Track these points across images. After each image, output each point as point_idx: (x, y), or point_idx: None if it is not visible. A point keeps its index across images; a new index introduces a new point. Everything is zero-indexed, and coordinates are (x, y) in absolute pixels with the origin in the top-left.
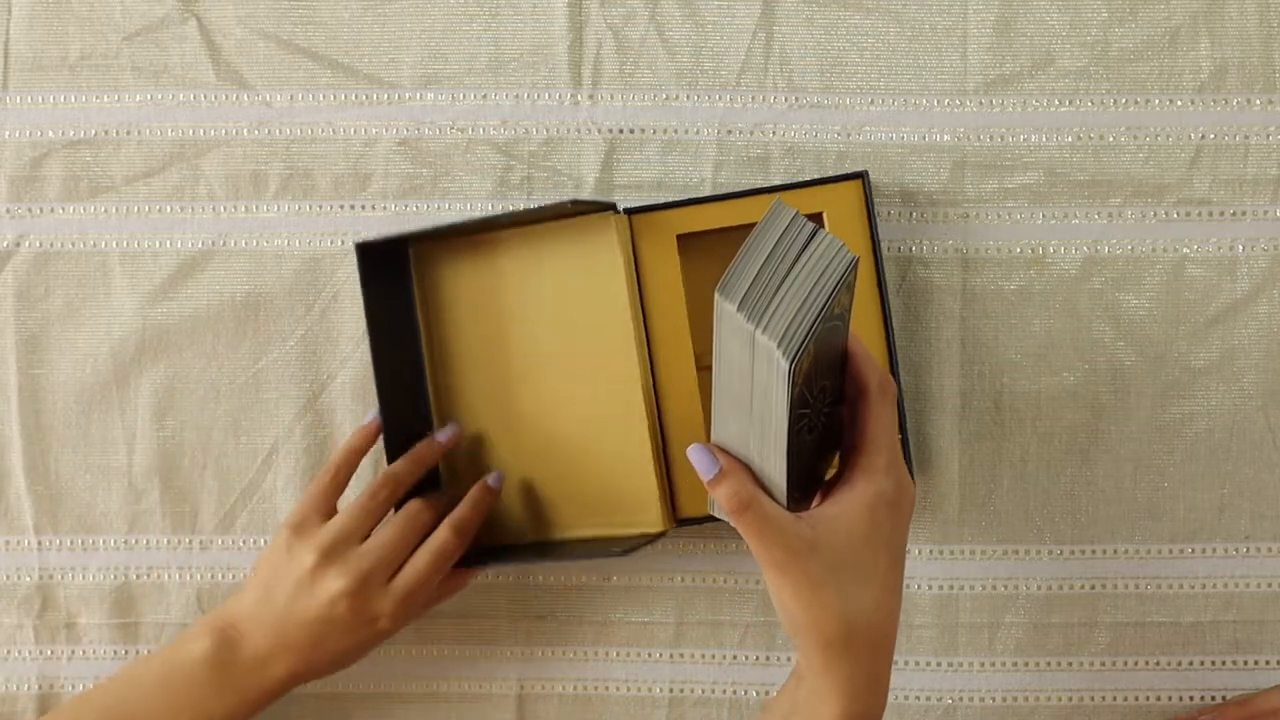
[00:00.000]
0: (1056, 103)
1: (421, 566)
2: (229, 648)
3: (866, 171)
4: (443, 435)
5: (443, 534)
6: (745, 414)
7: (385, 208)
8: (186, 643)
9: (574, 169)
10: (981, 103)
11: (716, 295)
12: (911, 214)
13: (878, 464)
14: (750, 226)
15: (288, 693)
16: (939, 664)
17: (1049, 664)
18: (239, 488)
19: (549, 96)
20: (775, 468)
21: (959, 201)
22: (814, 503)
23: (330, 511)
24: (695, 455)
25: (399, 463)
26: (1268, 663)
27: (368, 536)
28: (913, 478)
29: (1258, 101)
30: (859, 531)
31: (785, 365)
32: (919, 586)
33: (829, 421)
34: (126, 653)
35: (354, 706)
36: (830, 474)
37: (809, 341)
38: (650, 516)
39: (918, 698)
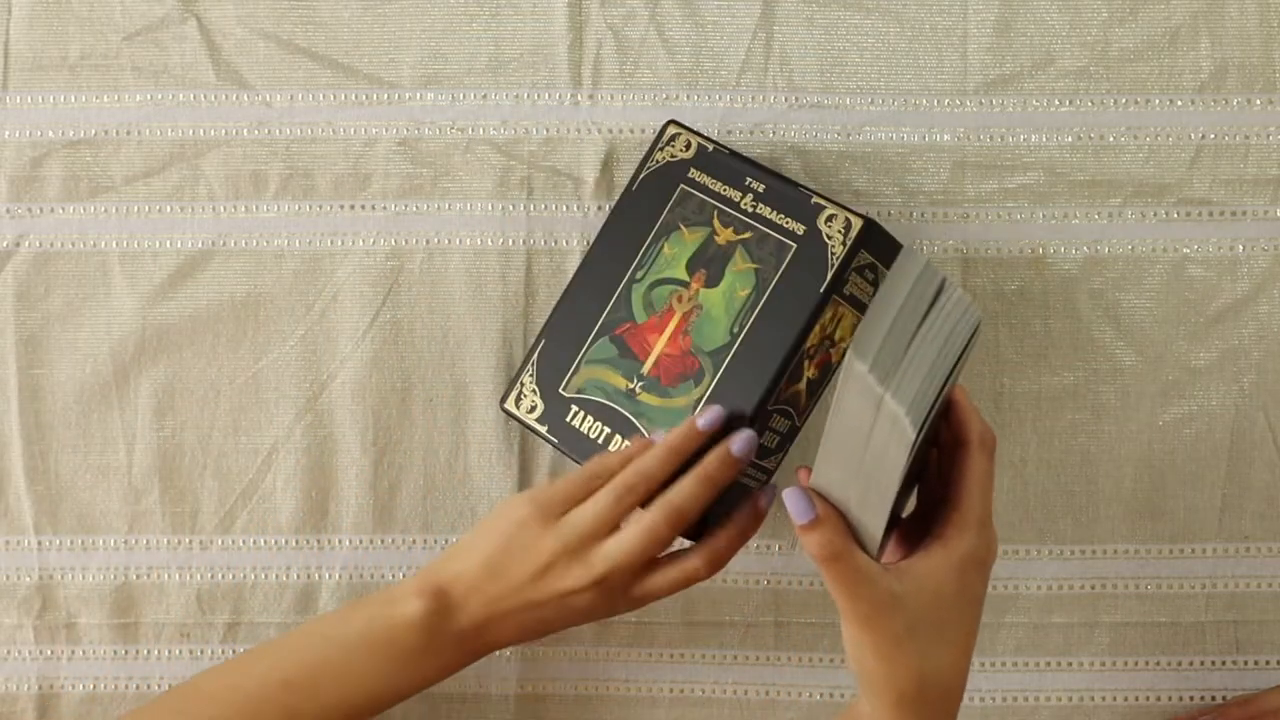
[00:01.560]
0: (1056, 103)
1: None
2: (443, 614)
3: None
4: (704, 421)
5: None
6: (854, 468)
7: (385, 208)
8: (396, 603)
9: (574, 169)
10: (981, 103)
11: (849, 352)
12: (911, 214)
13: (972, 520)
14: None
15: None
16: None
17: (1049, 664)
18: (239, 488)
19: (549, 96)
20: (875, 523)
21: (959, 201)
22: (892, 546)
23: (578, 503)
24: (791, 499)
25: (653, 457)
26: (1268, 663)
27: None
28: None
29: (1258, 101)
30: (947, 590)
31: (911, 434)
32: None
33: (920, 467)
34: (126, 653)
35: None
36: (908, 510)
37: (936, 407)
38: None
39: None
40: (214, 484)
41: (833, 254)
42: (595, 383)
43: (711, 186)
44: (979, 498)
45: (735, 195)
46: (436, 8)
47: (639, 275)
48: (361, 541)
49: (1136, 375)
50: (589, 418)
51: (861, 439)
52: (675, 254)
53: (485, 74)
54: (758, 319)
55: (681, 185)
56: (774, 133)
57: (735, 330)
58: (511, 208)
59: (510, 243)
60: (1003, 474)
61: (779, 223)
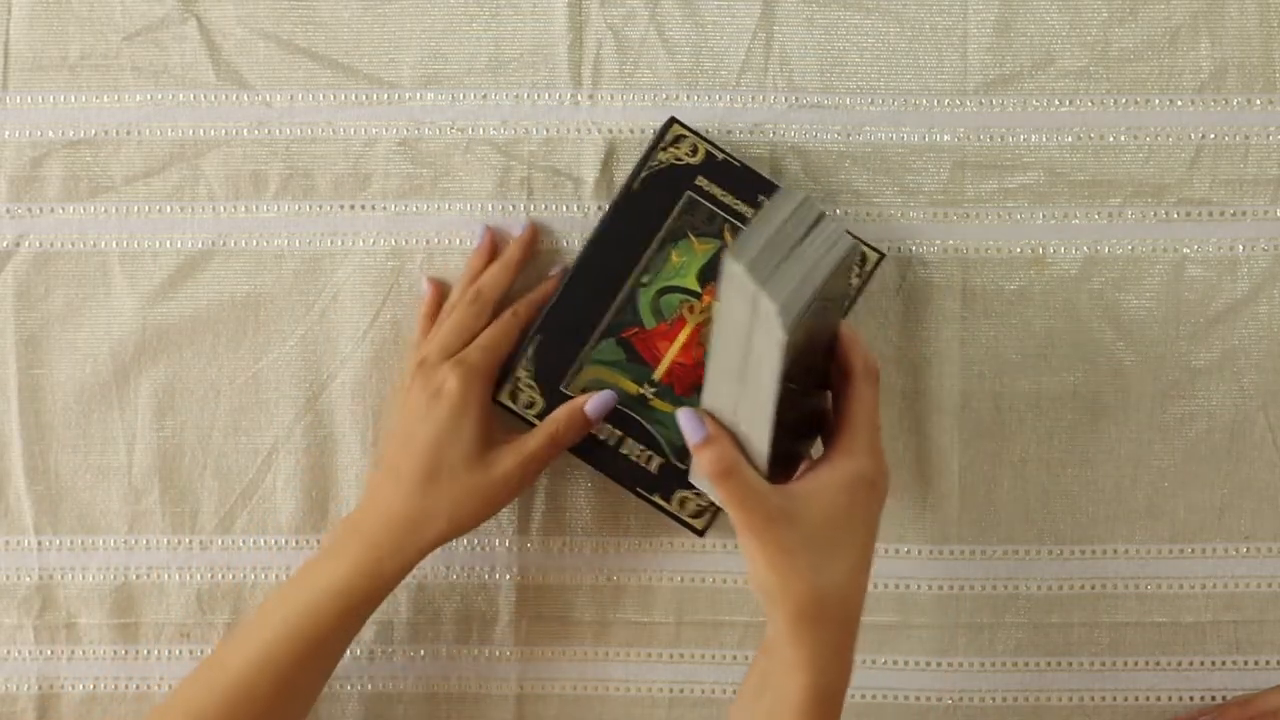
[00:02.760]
0: (1056, 103)
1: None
2: (371, 567)
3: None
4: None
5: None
6: (737, 380)
7: (385, 208)
8: (324, 576)
9: (574, 169)
10: (981, 103)
11: (725, 256)
12: (911, 214)
13: (859, 444)
14: None
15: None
16: (939, 664)
17: (1049, 664)
18: (239, 488)
19: (549, 96)
20: (760, 437)
21: (959, 201)
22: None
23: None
24: (684, 419)
25: (488, 273)
26: (1268, 663)
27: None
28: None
29: (1258, 101)
30: (837, 506)
31: (781, 334)
32: (919, 586)
33: (813, 404)
34: (126, 653)
35: (354, 706)
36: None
37: (806, 315)
38: None
39: (918, 698)
40: (214, 484)
41: (850, 284)
42: (601, 383)
43: (721, 198)
44: (864, 423)
45: (747, 210)
46: (436, 8)
47: (645, 279)
48: None
49: (1136, 375)
50: None
51: (742, 346)
52: (685, 262)
53: (485, 74)
54: None
55: (688, 192)
56: (774, 133)
57: None
58: (511, 208)
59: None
60: (1003, 474)
61: None
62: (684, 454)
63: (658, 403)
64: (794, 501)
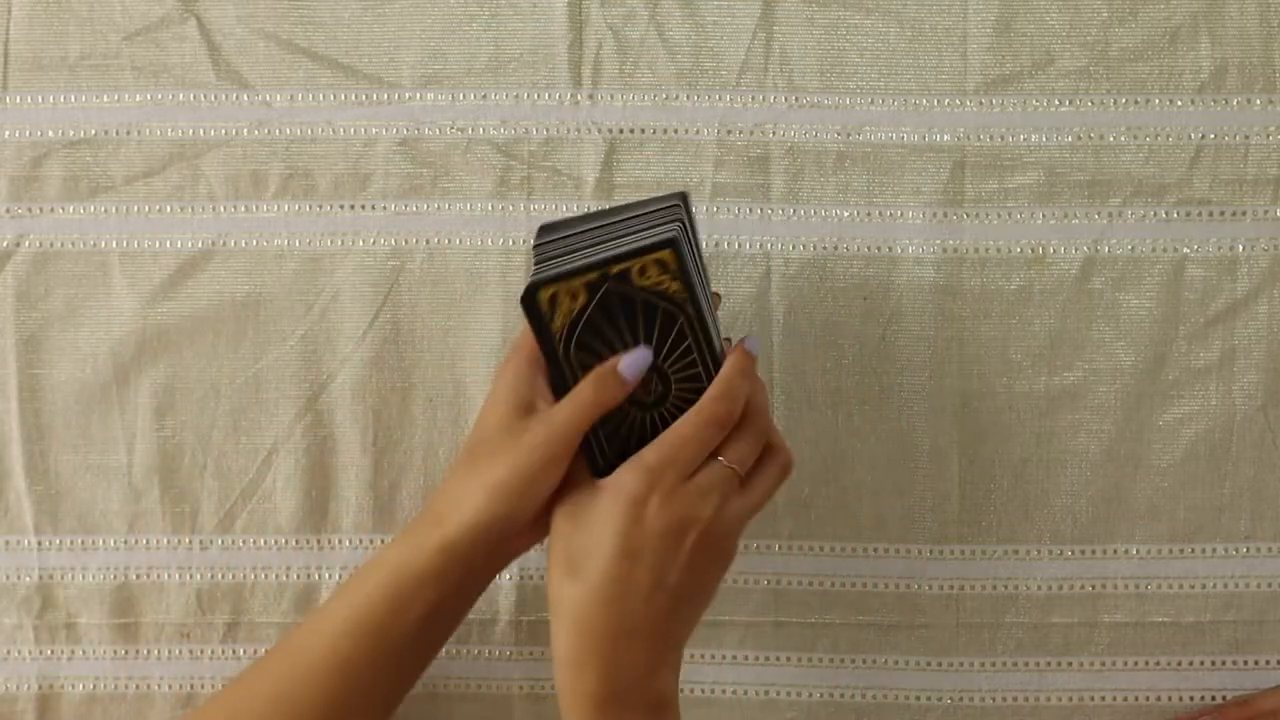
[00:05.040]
0: (1056, 103)
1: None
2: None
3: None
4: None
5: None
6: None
7: (385, 208)
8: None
9: (574, 169)
10: (981, 103)
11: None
12: (911, 214)
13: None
14: None
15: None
16: (939, 664)
17: (1049, 664)
18: (239, 488)
19: (549, 96)
20: None
21: (959, 201)
22: None
23: None
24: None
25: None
26: (1268, 663)
27: None
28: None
29: (1258, 101)
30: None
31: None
32: (919, 586)
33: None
34: (126, 653)
35: None
36: None
37: (552, 279)
38: None
39: (918, 698)
40: (214, 484)
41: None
42: None
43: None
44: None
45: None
46: (436, 8)
47: None
48: (361, 541)
49: (1136, 375)
50: None
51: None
52: None
53: (485, 74)
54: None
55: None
56: (774, 133)
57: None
58: (511, 208)
59: (510, 243)
60: (1003, 474)
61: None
62: None
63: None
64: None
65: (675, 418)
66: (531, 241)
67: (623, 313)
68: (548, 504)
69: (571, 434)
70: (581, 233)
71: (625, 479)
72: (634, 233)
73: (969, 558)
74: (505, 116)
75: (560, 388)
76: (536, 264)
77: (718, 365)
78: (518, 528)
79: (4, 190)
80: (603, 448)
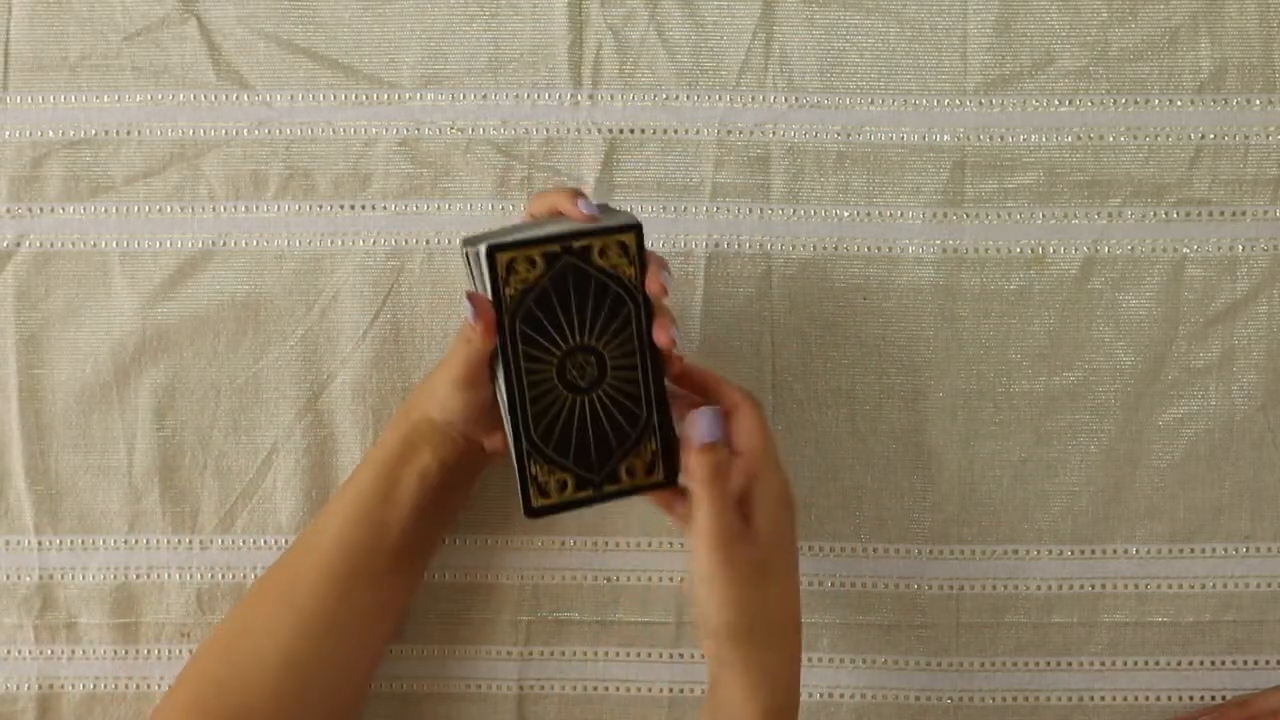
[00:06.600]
0: (1056, 103)
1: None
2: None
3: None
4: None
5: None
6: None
7: (385, 208)
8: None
9: (574, 169)
10: (981, 103)
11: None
12: (911, 214)
13: (773, 460)
14: None
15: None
16: (939, 664)
17: (1049, 664)
18: (239, 488)
19: (549, 96)
20: (501, 396)
21: (959, 201)
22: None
23: None
24: (706, 417)
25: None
26: (1268, 663)
27: None
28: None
29: (1258, 101)
30: (779, 524)
31: (482, 249)
32: (919, 586)
33: (621, 404)
34: (126, 653)
35: None
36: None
37: (516, 243)
38: None
39: (918, 698)
40: (214, 484)
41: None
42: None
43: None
44: (769, 443)
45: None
46: (436, 8)
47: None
48: None
49: (1136, 375)
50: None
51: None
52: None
53: (485, 74)
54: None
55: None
56: (774, 133)
57: None
58: (511, 208)
59: None
60: (1003, 474)
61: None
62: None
63: None
64: (749, 520)
65: (608, 407)
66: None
67: (574, 289)
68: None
69: (466, 345)
70: (523, 227)
71: (783, 479)
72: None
73: (969, 558)
74: (505, 116)
75: (504, 363)
76: (472, 241)
77: (656, 366)
78: (475, 415)
79: (4, 190)
80: (529, 426)
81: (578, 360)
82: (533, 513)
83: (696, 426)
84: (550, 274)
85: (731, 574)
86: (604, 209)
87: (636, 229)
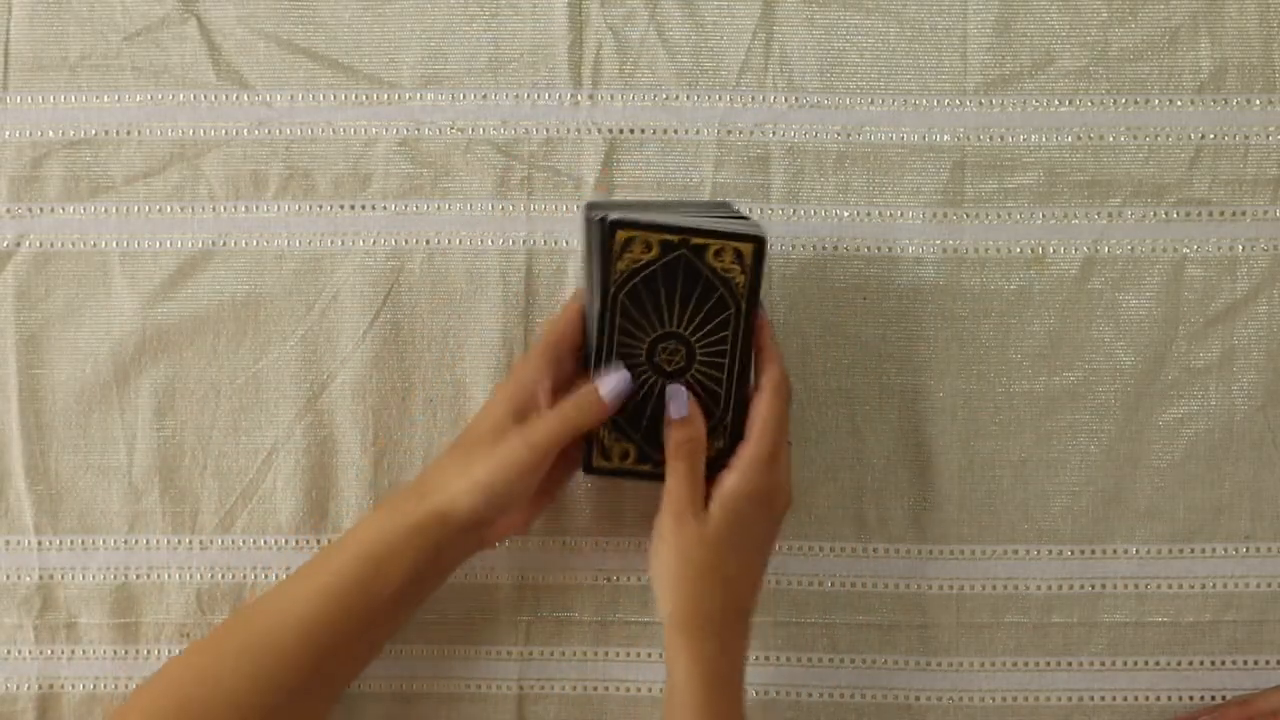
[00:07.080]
0: (1056, 103)
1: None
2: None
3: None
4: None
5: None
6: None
7: (385, 208)
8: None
9: (574, 169)
10: (981, 103)
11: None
12: (911, 214)
13: (761, 458)
14: None
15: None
16: (939, 664)
17: (1049, 664)
18: (239, 488)
19: (549, 96)
20: (591, 346)
21: (959, 201)
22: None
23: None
24: (677, 392)
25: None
26: (1268, 663)
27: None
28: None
29: (1258, 101)
30: (738, 514)
31: (596, 216)
32: (919, 586)
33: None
34: (126, 653)
35: (354, 705)
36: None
37: (639, 224)
38: None
39: (918, 698)
40: (214, 484)
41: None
42: None
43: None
44: (769, 438)
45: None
46: (436, 8)
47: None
48: None
49: (1136, 375)
50: None
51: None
52: None
53: (485, 74)
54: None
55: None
56: (774, 133)
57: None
58: (511, 208)
59: (510, 243)
60: (1003, 474)
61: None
62: None
63: None
64: (710, 503)
65: (691, 390)
66: (586, 208)
67: (682, 281)
68: (529, 502)
69: (548, 448)
70: (653, 205)
71: (762, 479)
72: (714, 218)
73: (969, 558)
74: (505, 116)
75: (599, 329)
76: (595, 207)
77: (743, 373)
78: (491, 520)
79: (4, 190)
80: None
81: (669, 345)
82: (590, 470)
83: (672, 400)
84: (662, 260)
85: (679, 555)
86: (724, 206)
87: (758, 242)
